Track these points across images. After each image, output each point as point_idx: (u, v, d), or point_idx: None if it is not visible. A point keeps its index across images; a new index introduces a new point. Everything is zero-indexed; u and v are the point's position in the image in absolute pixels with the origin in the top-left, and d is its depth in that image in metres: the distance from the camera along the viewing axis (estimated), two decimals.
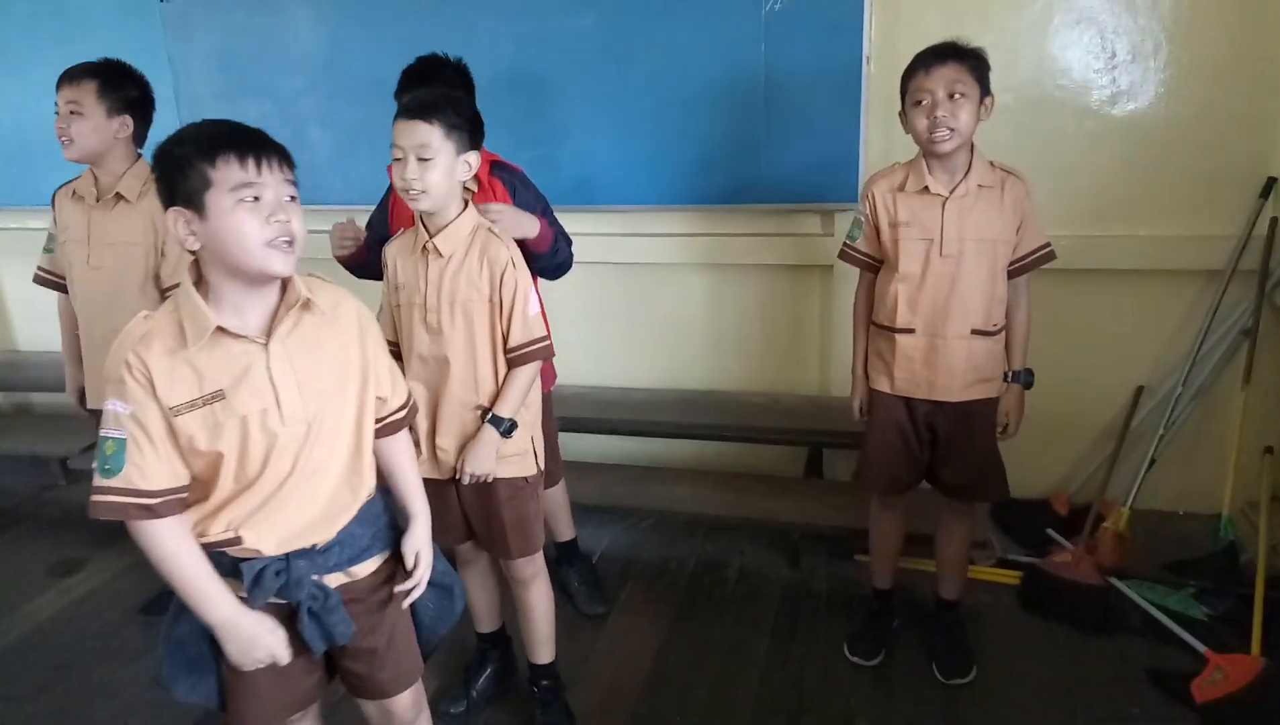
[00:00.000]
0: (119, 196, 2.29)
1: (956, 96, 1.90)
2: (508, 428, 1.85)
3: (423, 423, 1.88)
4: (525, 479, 1.95)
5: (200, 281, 1.31)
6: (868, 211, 2.12)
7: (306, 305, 1.35)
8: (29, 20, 3.44)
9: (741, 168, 2.88)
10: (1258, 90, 2.58)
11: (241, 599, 1.35)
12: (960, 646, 2.30)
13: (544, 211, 2.19)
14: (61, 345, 2.49)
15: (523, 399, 1.88)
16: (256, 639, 1.35)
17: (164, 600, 2.53)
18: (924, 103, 1.92)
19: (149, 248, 2.28)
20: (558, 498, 2.59)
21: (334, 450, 1.39)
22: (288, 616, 1.40)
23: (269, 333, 1.32)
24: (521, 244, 1.96)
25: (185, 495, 1.32)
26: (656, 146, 2.94)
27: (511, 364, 1.86)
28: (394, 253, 1.89)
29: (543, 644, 2.11)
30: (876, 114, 2.75)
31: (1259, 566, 2.38)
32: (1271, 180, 2.61)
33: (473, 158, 1.79)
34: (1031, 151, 2.57)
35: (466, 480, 1.86)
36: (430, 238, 1.79)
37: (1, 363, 3.98)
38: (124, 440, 1.26)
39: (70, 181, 2.38)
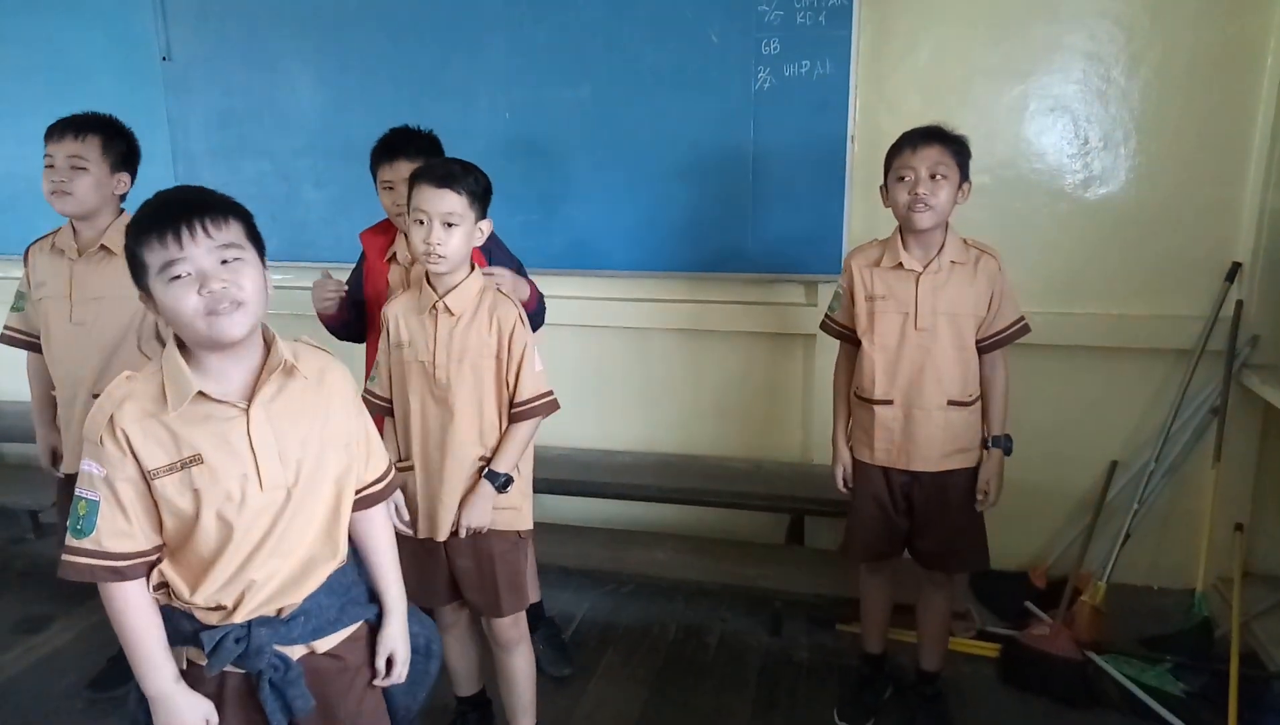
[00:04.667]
0: (104, 249, 2.23)
1: (938, 177, 1.98)
2: (504, 482, 1.89)
3: (420, 482, 1.90)
4: (519, 533, 1.98)
5: (184, 346, 1.30)
6: (845, 284, 2.19)
7: (290, 370, 1.34)
8: (30, 74, 3.48)
9: (728, 237, 2.95)
10: (1222, 179, 2.70)
11: (195, 667, 1.33)
12: (941, 719, 2.30)
13: (519, 271, 2.29)
14: (33, 405, 2.39)
15: (520, 454, 1.92)
16: (185, 715, 1.31)
17: (113, 675, 2.50)
18: (906, 179, 2.01)
19: (134, 301, 2.27)
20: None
21: (312, 517, 1.37)
22: (249, 689, 1.35)
23: (251, 397, 1.31)
24: None
25: (154, 558, 1.31)
26: (646, 214, 3.01)
27: (515, 418, 1.90)
28: (396, 312, 1.91)
29: (524, 710, 2.09)
30: (860, 189, 2.84)
31: (1233, 643, 2.41)
32: (1236, 265, 2.71)
33: (485, 226, 1.87)
34: (1007, 231, 2.66)
35: (463, 533, 1.88)
36: (440, 297, 1.84)
37: None
38: (96, 502, 1.26)
39: (45, 236, 2.32)
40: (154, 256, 1.23)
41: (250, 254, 1.29)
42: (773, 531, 3.16)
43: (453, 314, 1.84)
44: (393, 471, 1.54)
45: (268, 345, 1.35)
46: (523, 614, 2.04)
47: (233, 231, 1.27)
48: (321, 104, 3.23)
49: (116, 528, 1.26)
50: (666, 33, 2.85)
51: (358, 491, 1.46)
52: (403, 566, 1.54)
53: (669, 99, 2.89)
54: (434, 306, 1.85)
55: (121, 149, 2.28)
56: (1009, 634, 2.67)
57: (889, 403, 2.12)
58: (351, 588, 1.45)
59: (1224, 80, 2.64)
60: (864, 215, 2.87)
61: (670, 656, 2.69)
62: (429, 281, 1.87)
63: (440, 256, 1.78)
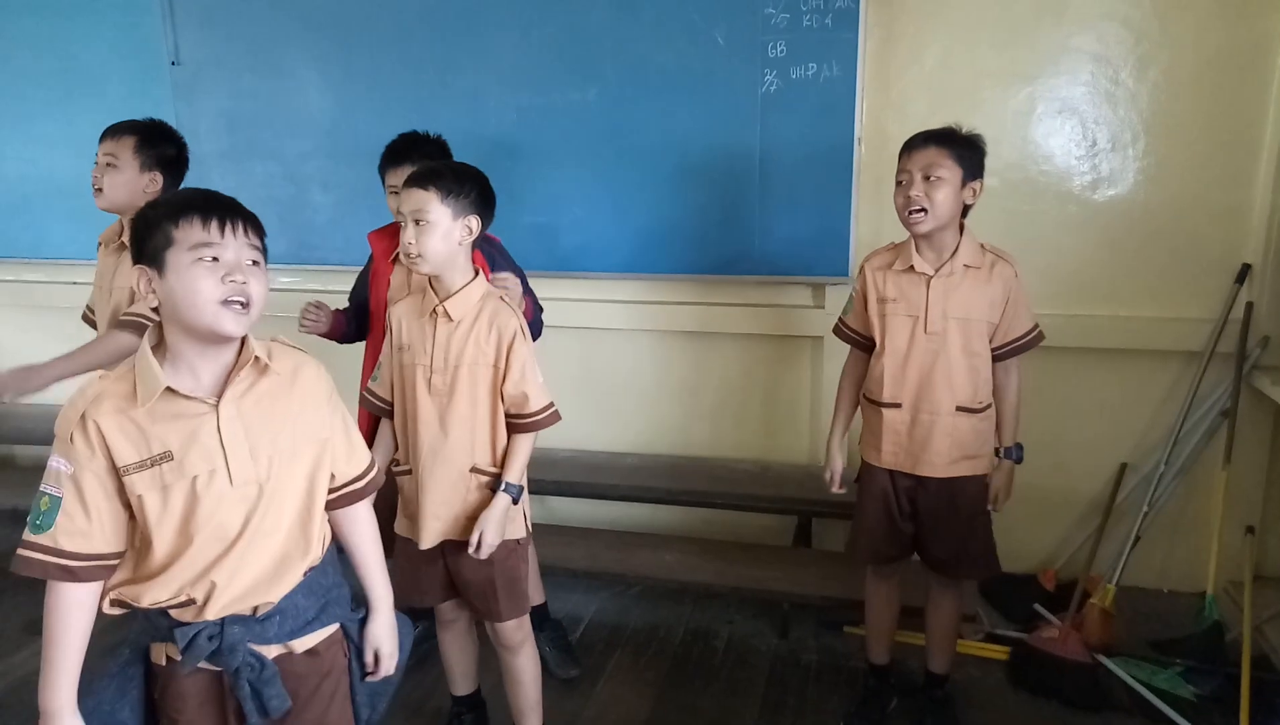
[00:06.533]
0: (123, 245, 2.32)
1: (932, 179, 1.97)
2: (517, 493, 1.89)
3: (414, 486, 1.91)
4: (517, 541, 1.96)
5: (159, 344, 1.32)
6: (859, 288, 2.19)
7: (262, 367, 1.36)
8: (40, 78, 3.50)
9: (736, 240, 2.95)
10: (1232, 180, 2.68)
11: (174, 663, 1.36)
12: (951, 722, 2.29)
13: (522, 281, 2.29)
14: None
15: (526, 463, 1.92)
16: None
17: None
18: (903, 182, 2.02)
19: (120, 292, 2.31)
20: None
21: (284, 513, 1.38)
22: (220, 688, 1.38)
23: (221, 393, 1.32)
24: None
25: (113, 563, 1.31)
26: (653, 217, 3.02)
27: (519, 430, 1.90)
28: (400, 314, 1.93)
29: (531, 711, 2.09)
30: (867, 192, 2.84)
31: (1244, 646, 2.40)
32: (1246, 266, 2.70)
33: (473, 222, 1.84)
34: (1016, 233, 2.65)
35: (484, 554, 1.85)
36: (441, 302, 1.84)
37: None
38: (59, 499, 1.27)
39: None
40: (189, 234, 1.27)
41: (264, 265, 1.36)
42: (780, 533, 3.15)
43: (452, 319, 1.85)
44: (374, 470, 1.54)
45: (241, 343, 1.37)
46: (526, 616, 2.03)
47: (258, 241, 1.35)
48: (329, 107, 3.24)
49: (75, 527, 1.27)
50: (673, 35, 2.85)
51: (337, 488, 1.47)
52: (397, 565, 1.54)
53: (675, 101, 2.89)
54: (434, 311, 1.85)
55: (158, 150, 2.35)
56: (1018, 637, 2.66)
57: (897, 406, 2.11)
58: (332, 589, 1.46)
59: (1233, 81, 2.63)
60: (871, 218, 2.87)
61: (678, 659, 2.69)
62: (432, 286, 1.88)
63: (417, 256, 1.79)
